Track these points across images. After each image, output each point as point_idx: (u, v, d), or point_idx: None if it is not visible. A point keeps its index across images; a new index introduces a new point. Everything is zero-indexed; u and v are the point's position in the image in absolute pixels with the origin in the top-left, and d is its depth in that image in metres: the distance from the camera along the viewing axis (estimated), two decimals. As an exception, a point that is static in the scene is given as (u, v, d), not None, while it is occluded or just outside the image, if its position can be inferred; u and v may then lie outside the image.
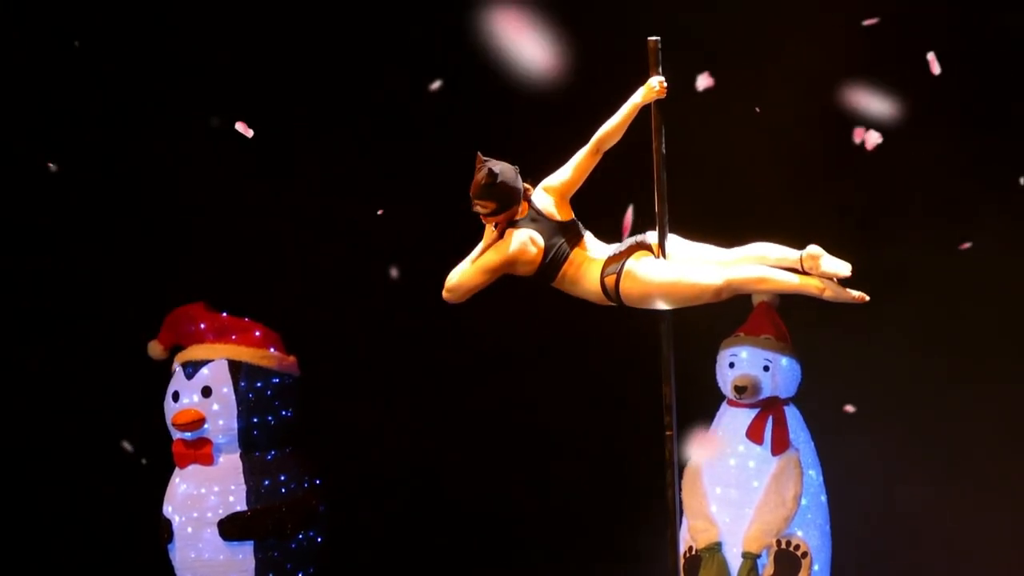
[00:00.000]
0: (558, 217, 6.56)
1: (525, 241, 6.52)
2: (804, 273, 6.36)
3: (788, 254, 6.31)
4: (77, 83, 9.56)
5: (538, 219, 6.56)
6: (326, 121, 9.54)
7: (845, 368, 8.84)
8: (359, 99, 9.50)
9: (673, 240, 6.58)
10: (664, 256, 6.49)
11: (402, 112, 9.45)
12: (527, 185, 6.62)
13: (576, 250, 6.55)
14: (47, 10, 9.52)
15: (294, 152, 9.53)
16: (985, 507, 8.75)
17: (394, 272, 9.34)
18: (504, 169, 6.52)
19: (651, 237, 6.62)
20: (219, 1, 9.40)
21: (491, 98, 8.99)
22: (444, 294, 6.70)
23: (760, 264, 6.36)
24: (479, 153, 6.59)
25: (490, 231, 6.62)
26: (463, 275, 6.63)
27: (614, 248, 6.58)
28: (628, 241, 6.60)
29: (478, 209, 6.57)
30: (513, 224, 6.57)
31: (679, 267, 6.44)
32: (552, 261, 6.55)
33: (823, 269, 6.28)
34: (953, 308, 8.77)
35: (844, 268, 6.27)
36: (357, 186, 9.49)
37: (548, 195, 6.58)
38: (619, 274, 6.48)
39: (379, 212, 9.19)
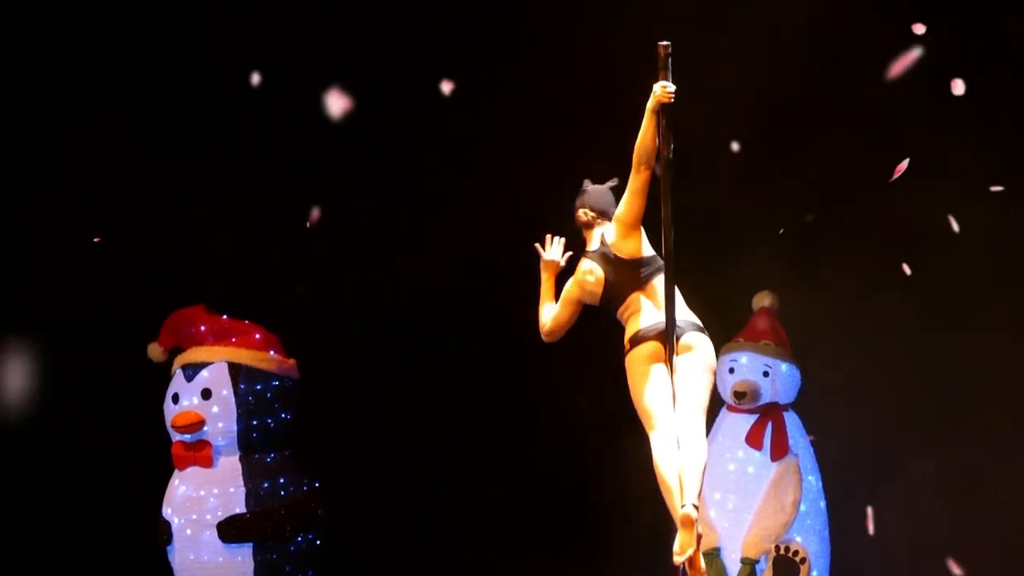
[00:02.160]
0: (622, 253, 6.51)
1: (584, 272, 6.57)
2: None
3: (689, 488, 6.12)
4: (77, 78, 9.59)
5: (606, 253, 6.54)
6: (324, 122, 9.57)
7: (845, 374, 8.85)
8: (358, 100, 9.53)
9: (689, 363, 6.36)
10: (674, 352, 6.34)
11: (399, 118, 9.48)
12: (592, 214, 6.63)
13: (635, 294, 6.49)
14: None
15: (295, 155, 9.53)
16: (987, 516, 8.76)
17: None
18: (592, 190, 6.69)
19: (690, 338, 6.40)
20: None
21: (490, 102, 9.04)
22: (544, 337, 6.74)
23: (677, 466, 6.16)
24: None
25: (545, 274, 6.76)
26: (551, 315, 6.69)
27: (651, 322, 6.41)
28: (658, 327, 6.40)
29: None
30: (584, 254, 6.64)
31: (646, 394, 6.31)
32: (612, 297, 6.54)
33: (678, 537, 6.13)
34: (954, 313, 8.79)
35: (676, 556, 6.07)
36: (357, 190, 9.52)
37: (615, 227, 6.55)
38: (627, 351, 6.46)
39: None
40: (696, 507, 6.10)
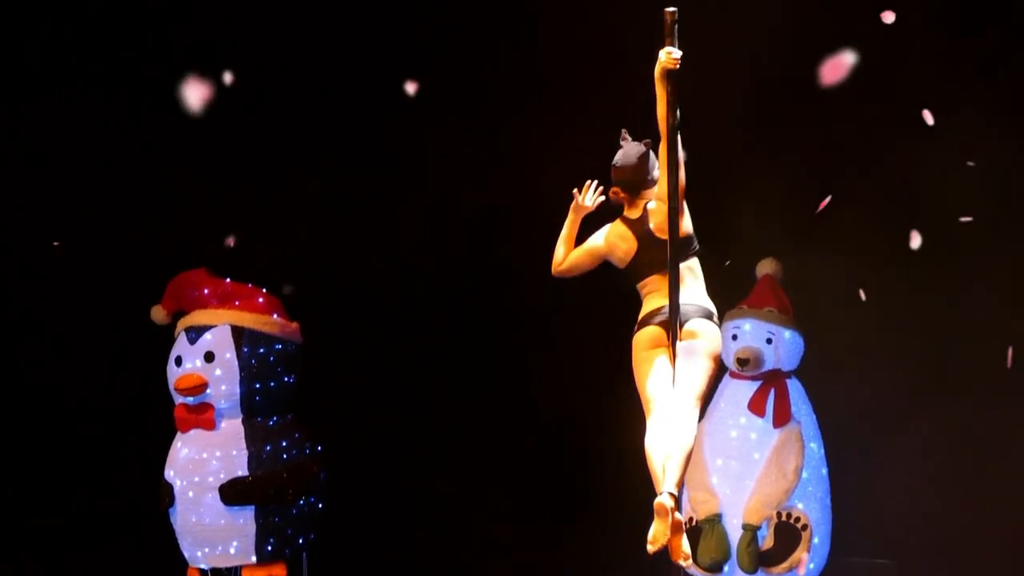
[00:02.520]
0: (663, 235, 6.37)
1: (618, 236, 6.52)
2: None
3: (669, 476, 6.05)
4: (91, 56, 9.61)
5: (647, 230, 6.46)
6: (332, 91, 9.58)
7: (848, 342, 8.85)
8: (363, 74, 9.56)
9: (689, 350, 6.34)
10: (677, 337, 6.30)
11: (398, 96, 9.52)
12: (624, 195, 6.53)
13: (657, 276, 6.41)
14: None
15: (299, 121, 9.54)
16: (990, 487, 8.77)
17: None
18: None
19: (694, 325, 6.36)
20: None
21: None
22: (554, 272, 6.72)
23: (662, 439, 6.14)
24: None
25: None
26: (570, 255, 6.65)
27: (662, 305, 6.38)
28: (663, 315, 6.37)
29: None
30: (623, 217, 6.56)
31: (643, 380, 6.32)
32: (637, 270, 6.50)
33: (652, 526, 6.07)
34: (957, 282, 8.78)
35: (649, 546, 6.05)
36: (360, 156, 9.53)
37: (658, 207, 6.44)
38: (634, 332, 6.45)
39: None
40: (673, 495, 6.03)
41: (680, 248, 6.37)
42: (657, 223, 6.42)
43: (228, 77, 9.33)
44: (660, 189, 6.41)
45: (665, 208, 6.36)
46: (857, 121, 8.80)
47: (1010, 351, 8.64)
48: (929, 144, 8.64)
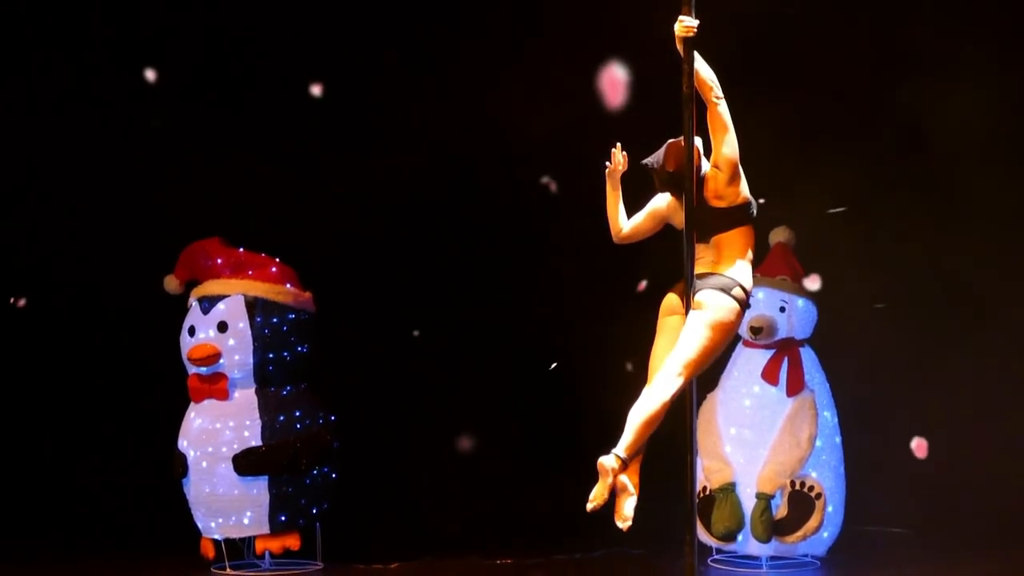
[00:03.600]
0: (714, 203, 6.28)
1: (680, 205, 6.37)
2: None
3: (623, 438, 6.02)
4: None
5: (700, 192, 6.29)
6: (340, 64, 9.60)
7: (861, 310, 8.85)
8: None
9: (691, 319, 6.23)
10: (690, 301, 6.22)
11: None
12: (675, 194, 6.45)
13: (699, 246, 6.29)
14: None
15: (310, 93, 9.56)
16: (1005, 454, 8.78)
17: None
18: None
19: (702, 296, 6.23)
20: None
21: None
22: (616, 240, 6.59)
23: (646, 401, 6.12)
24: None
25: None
26: (629, 221, 6.54)
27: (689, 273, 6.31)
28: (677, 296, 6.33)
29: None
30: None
31: (654, 343, 6.30)
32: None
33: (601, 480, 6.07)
34: (969, 248, 8.79)
35: (588, 504, 5.99)
36: (367, 129, 9.53)
37: (712, 175, 6.30)
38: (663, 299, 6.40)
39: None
40: (620, 458, 6.01)
41: (731, 215, 6.30)
42: (710, 190, 6.31)
43: (151, 74, 9.37)
44: (714, 156, 6.32)
45: (720, 175, 6.29)
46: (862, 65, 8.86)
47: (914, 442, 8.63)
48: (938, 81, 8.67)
